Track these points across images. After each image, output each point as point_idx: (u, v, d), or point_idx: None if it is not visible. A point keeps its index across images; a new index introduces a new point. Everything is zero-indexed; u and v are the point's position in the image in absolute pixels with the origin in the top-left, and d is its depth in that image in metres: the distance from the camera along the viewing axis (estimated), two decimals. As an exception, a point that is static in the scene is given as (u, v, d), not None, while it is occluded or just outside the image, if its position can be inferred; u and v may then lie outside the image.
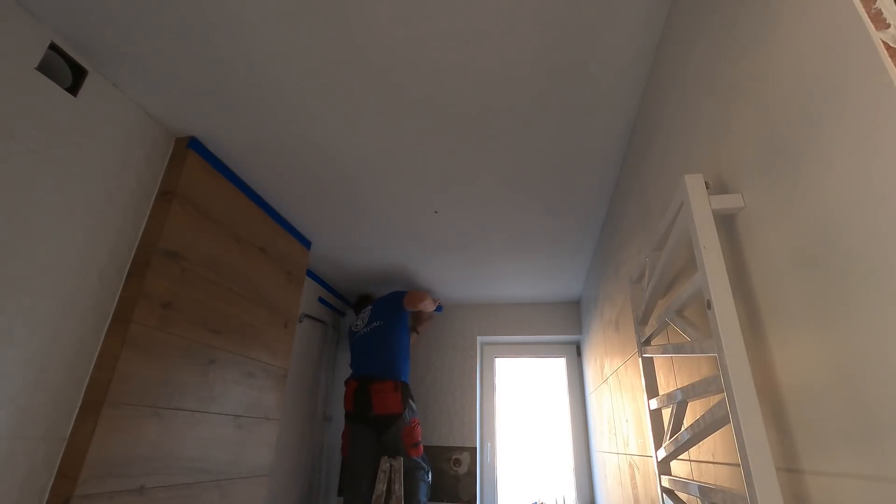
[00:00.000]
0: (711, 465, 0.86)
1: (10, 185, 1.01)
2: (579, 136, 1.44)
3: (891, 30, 0.43)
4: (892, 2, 0.43)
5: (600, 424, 2.28)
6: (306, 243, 2.17)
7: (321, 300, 2.73)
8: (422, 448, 2.20)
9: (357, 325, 2.50)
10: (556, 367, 3.08)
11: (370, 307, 2.51)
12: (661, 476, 0.99)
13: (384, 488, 1.90)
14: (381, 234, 2.15)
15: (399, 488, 1.90)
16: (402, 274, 2.64)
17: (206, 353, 1.46)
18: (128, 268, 1.27)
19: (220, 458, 1.49)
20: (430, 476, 2.22)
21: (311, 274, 2.57)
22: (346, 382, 2.30)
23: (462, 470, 2.76)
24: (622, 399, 1.72)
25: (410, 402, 2.19)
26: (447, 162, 1.58)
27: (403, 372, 2.26)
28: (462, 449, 2.79)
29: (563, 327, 2.97)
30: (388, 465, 1.96)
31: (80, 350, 1.13)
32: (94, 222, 1.20)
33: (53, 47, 1.11)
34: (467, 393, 2.87)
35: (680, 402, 0.92)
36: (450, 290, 2.87)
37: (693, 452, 0.95)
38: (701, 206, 0.70)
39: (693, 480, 0.87)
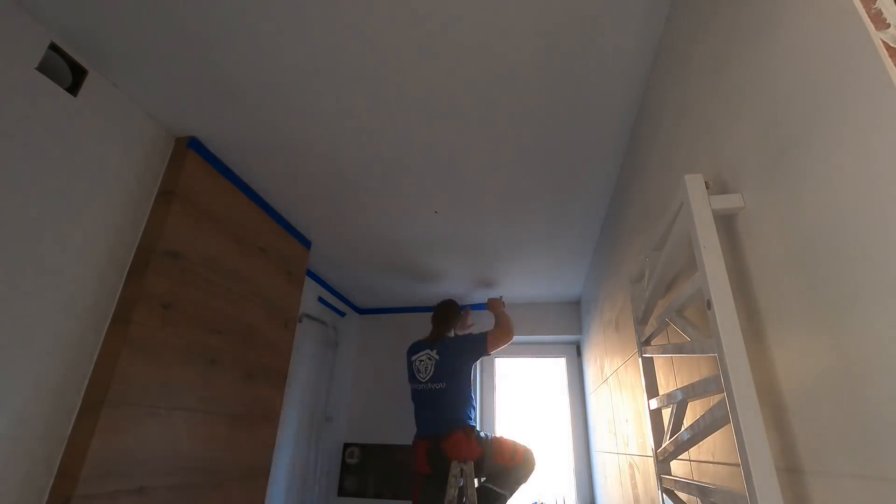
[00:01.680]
0: (711, 465, 0.86)
1: (9, 185, 1.01)
2: (579, 136, 1.44)
3: (891, 30, 0.43)
4: (893, 2, 0.43)
5: (600, 424, 2.28)
6: (306, 243, 2.17)
7: (321, 300, 2.73)
8: (520, 449, 2.11)
9: (419, 370, 2.22)
10: (556, 367, 3.08)
11: (436, 355, 2.19)
12: (661, 476, 0.99)
13: (455, 493, 1.87)
14: (381, 234, 2.15)
15: (473, 493, 1.86)
16: (402, 274, 2.64)
17: (206, 353, 1.46)
18: (128, 268, 1.27)
19: (221, 458, 1.49)
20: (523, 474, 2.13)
21: (311, 274, 2.57)
22: (415, 443, 2.14)
23: (462, 470, 2.75)
24: (622, 399, 1.72)
25: (481, 435, 2.08)
26: (447, 162, 1.58)
27: (466, 418, 2.08)
28: (462, 449, 2.79)
29: (563, 327, 2.97)
30: (458, 469, 1.92)
31: (80, 350, 1.13)
32: (94, 222, 1.20)
33: (53, 47, 1.11)
34: (467, 393, 2.87)
35: (680, 402, 0.92)
36: (450, 290, 2.87)
37: (693, 452, 0.95)
38: (701, 206, 0.70)
39: (693, 480, 0.87)
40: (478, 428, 2.10)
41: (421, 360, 2.25)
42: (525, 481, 2.12)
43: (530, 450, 2.17)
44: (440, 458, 1.99)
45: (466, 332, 2.50)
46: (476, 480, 2.04)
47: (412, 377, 2.25)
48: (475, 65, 1.17)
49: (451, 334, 2.38)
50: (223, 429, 1.51)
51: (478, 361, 2.34)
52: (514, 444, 2.13)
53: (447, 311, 2.40)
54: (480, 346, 2.21)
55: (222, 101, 1.32)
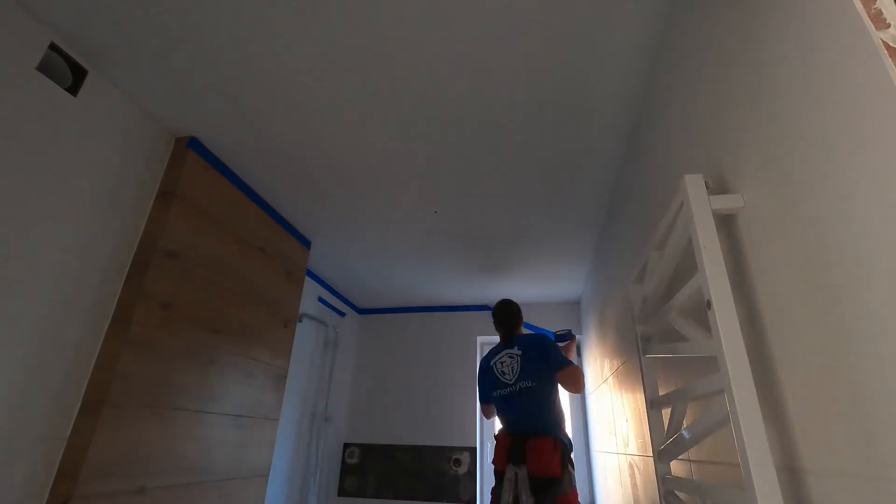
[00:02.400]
0: (711, 465, 0.86)
1: (10, 185, 1.01)
2: (580, 136, 1.44)
3: (891, 30, 0.43)
4: (892, 2, 0.43)
5: (600, 424, 2.28)
6: (306, 243, 2.17)
7: (321, 300, 2.73)
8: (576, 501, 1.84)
9: (503, 373, 2.00)
10: (556, 367, 3.08)
11: (518, 353, 2.00)
12: (661, 476, 0.99)
13: (510, 499, 1.72)
14: (381, 234, 2.15)
15: (527, 499, 1.68)
16: (402, 274, 2.64)
17: (206, 353, 1.46)
18: (128, 268, 1.27)
19: (220, 458, 1.49)
20: None
21: (311, 274, 2.57)
22: (497, 437, 1.95)
23: (462, 470, 2.76)
24: (622, 399, 1.72)
25: (570, 468, 1.82)
26: (447, 163, 1.58)
27: (560, 430, 1.89)
28: (462, 449, 2.79)
29: (563, 327, 2.97)
30: (513, 473, 1.76)
31: (80, 350, 1.13)
32: (94, 222, 1.20)
33: (53, 47, 1.11)
34: (467, 393, 2.87)
35: (680, 402, 0.92)
36: (449, 290, 2.87)
37: (693, 452, 0.95)
38: (701, 206, 0.70)
39: (693, 480, 0.87)
40: (571, 458, 1.86)
41: (503, 362, 2.01)
42: None
43: None
44: (520, 455, 1.80)
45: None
46: (532, 496, 1.86)
47: (495, 384, 2.00)
48: (476, 65, 1.17)
49: (523, 331, 2.15)
50: (223, 429, 1.51)
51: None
52: (576, 495, 1.87)
53: (510, 309, 2.16)
54: (555, 367, 1.94)
55: (222, 101, 1.32)
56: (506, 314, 2.14)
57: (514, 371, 1.97)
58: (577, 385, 1.92)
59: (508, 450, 1.86)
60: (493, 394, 2.01)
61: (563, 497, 1.77)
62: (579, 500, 1.84)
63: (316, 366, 2.66)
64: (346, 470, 2.91)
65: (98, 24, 1.09)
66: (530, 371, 1.93)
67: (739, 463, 0.55)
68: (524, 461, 1.79)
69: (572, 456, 1.85)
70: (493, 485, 1.93)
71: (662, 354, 1.03)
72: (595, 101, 1.29)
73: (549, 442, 1.80)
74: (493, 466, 1.93)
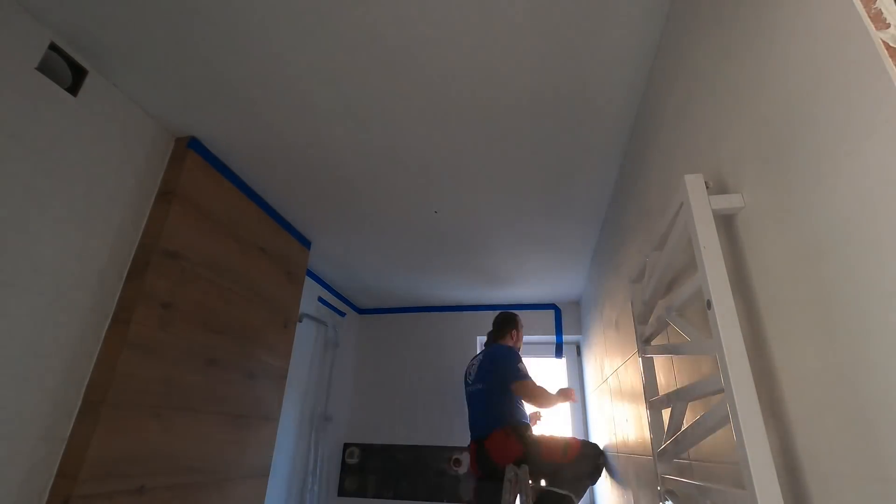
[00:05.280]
0: (711, 465, 0.86)
1: (9, 185, 1.01)
2: (579, 135, 1.44)
3: (891, 30, 0.43)
4: (893, 2, 0.43)
5: (600, 424, 2.28)
6: (306, 243, 2.17)
7: (321, 300, 2.73)
8: (574, 444, 1.97)
9: (469, 373, 2.24)
10: (556, 367, 3.08)
11: (480, 358, 2.21)
12: (661, 476, 0.99)
13: (511, 499, 1.79)
14: (380, 235, 2.15)
15: (527, 499, 1.71)
16: (402, 274, 2.64)
17: (206, 353, 1.46)
18: (128, 268, 1.27)
19: (220, 458, 1.49)
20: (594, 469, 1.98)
21: (311, 274, 2.57)
22: (468, 445, 2.12)
23: (462, 470, 2.76)
24: (622, 399, 1.72)
25: (527, 435, 1.94)
26: (447, 162, 1.58)
27: (509, 417, 1.98)
28: (462, 449, 2.79)
29: (563, 327, 2.97)
30: (513, 473, 1.77)
31: (80, 350, 1.13)
32: (94, 222, 1.20)
33: (53, 47, 1.11)
34: (467, 393, 2.87)
35: (680, 402, 0.92)
36: (450, 290, 2.87)
37: (693, 452, 0.95)
38: (701, 206, 0.70)
39: (693, 480, 0.87)
40: (523, 425, 1.97)
41: (472, 364, 2.27)
42: (589, 479, 1.98)
43: (590, 443, 2.03)
44: (486, 459, 1.94)
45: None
46: (537, 483, 1.89)
47: (465, 382, 2.26)
48: (475, 65, 1.17)
49: (506, 341, 2.30)
50: (223, 429, 1.51)
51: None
52: (567, 439, 1.99)
53: (500, 321, 2.37)
54: (508, 379, 2.04)
55: (222, 101, 1.32)
56: (493, 325, 2.40)
57: (473, 373, 2.20)
58: (531, 398, 2.03)
59: (476, 453, 1.99)
60: (465, 390, 2.25)
61: (543, 450, 1.91)
62: (551, 436, 2.01)
63: (316, 366, 2.66)
64: (346, 470, 2.91)
65: (98, 24, 1.09)
66: (481, 376, 2.14)
67: (739, 463, 0.55)
68: (495, 465, 1.89)
69: (523, 428, 1.97)
70: (473, 487, 2.05)
71: (662, 354, 1.03)
72: (595, 100, 1.29)
73: (500, 434, 1.93)
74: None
